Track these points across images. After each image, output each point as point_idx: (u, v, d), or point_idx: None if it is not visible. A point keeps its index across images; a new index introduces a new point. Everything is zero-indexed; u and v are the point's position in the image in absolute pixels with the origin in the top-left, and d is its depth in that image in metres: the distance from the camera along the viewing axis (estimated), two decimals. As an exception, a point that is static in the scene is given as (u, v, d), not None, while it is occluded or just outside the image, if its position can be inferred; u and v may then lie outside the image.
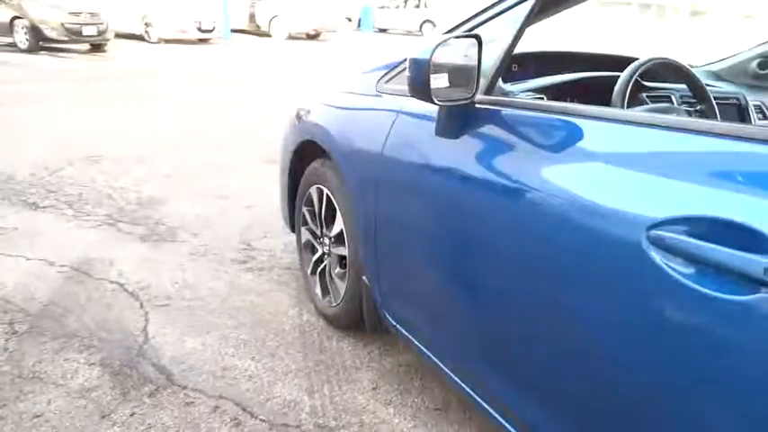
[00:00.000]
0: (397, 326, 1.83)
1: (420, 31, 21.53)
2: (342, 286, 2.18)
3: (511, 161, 1.31)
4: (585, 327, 1.11)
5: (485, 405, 1.45)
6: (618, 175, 1.07)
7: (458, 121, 1.45)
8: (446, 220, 1.50)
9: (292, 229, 2.65)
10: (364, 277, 1.95)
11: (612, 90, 1.59)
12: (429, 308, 1.66)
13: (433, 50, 1.34)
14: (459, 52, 1.39)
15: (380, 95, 1.87)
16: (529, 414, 1.31)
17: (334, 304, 2.26)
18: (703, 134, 1.01)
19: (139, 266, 2.76)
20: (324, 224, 2.26)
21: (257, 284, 2.66)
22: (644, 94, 1.80)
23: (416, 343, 1.75)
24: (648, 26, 29.10)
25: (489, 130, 1.40)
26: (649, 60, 1.64)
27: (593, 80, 1.85)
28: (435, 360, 1.67)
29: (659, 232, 0.94)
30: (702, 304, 0.89)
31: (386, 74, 1.88)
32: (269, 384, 1.99)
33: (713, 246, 0.88)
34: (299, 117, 2.39)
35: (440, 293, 1.58)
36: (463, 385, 1.55)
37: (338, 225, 2.13)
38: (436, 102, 1.39)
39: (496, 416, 1.40)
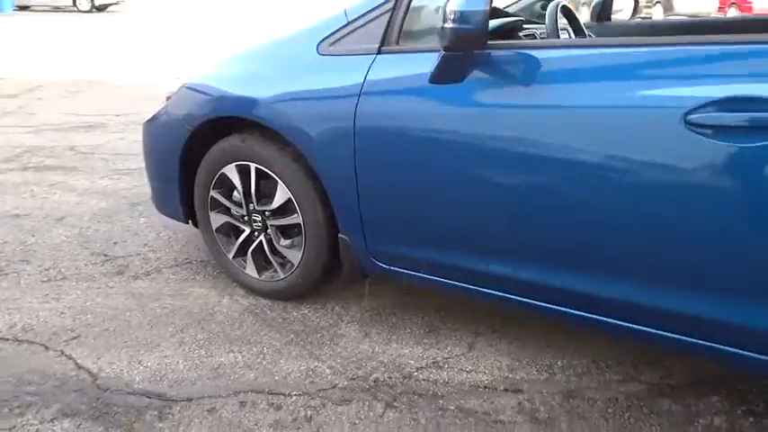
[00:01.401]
0: (392, 267, 1.98)
1: (75, 5, 19.74)
2: (294, 254, 2.19)
3: (528, 90, 1.59)
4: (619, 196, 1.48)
5: (507, 295, 1.76)
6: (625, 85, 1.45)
7: (463, 64, 1.65)
8: (455, 152, 1.71)
9: (189, 220, 2.46)
10: (341, 235, 2.02)
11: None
12: (437, 236, 1.85)
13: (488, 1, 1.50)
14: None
15: (331, 56, 1.92)
16: (567, 283, 1.64)
17: (282, 276, 2.25)
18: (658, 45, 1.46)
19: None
20: (255, 200, 2.20)
21: (159, 288, 2.42)
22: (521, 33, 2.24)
23: (418, 273, 1.94)
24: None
25: (499, 67, 1.64)
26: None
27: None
28: (441, 279, 1.89)
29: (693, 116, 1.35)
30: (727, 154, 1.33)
31: (330, 35, 1.92)
32: (272, 364, 1.95)
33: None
34: (186, 95, 2.23)
35: (453, 217, 1.79)
36: (476, 288, 1.83)
37: (281, 196, 2.12)
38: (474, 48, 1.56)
39: (524, 299, 1.73)
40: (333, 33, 1.92)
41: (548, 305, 1.73)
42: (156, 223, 3.07)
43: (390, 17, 1.80)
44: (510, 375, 1.90)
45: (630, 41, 1.58)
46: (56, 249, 2.78)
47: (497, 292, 1.81)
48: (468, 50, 1.61)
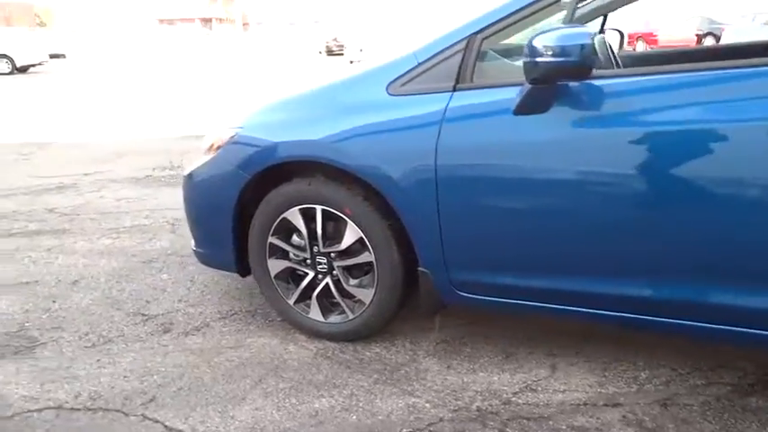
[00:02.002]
0: (474, 295, 2.02)
1: None
2: (365, 293, 2.19)
3: (624, 116, 1.71)
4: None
5: (595, 311, 1.85)
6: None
7: (551, 95, 1.75)
8: (542, 179, 1.79)
9: (243, 272, 2.42)
10: (421, 268, 2.05)
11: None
12: (523, 262, 1.92)
13: (591, 35, 1.61)
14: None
15: (404, 96, 1.98)
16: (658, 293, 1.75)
17: (351, 317, 2.24)
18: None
19: (51, 385, 2.11)
20: (321, 242, 2.20)
21: (216, 342, 2.35)
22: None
23: (501, 299, 2.00)
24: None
25: (585, 96, 1.76)
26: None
27: None
28: (525, 303, 1.96)
29: None
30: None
31: (401, 76, 1.98)
32: (369, 405, 1.93)
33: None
34: (242, 143, 2.23)
35: (539, 242, 1.86)
36: (562, 307, 1.90)
37: (351, 237, 2.13)
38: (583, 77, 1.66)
39: (607, 312, 1.82)
40: (404, 74, 1.98)
41: (643, 317, 1.82)
42: (181, 278, 2.99)
43: (464, 56, 1.89)
44: (602, 390, 1.96)
45: (716, 65, 1.71)
46: (86, 313, 2.65)
47: (585, 309, 1.89)
48: (555, 83, 1.72)
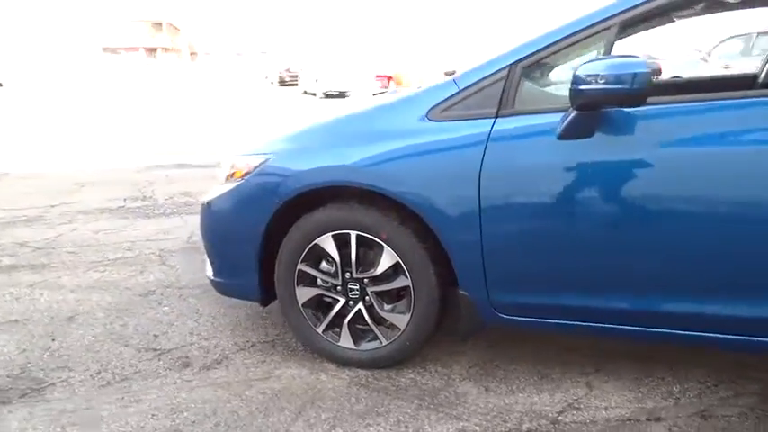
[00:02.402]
0: (513, 317, 2.05)
1: None
2: (400, 318, 2.18)
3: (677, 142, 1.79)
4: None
5: (639, 328, 1.91)
6: None
7: (596, 121, 1.82)
8: (587, 202, 1.85)
9: (265, 301, 2.37)
10: (461, 291, 2.06)
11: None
12: (565, 282, 1.96)
13: (647, 64, 1.68)
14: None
15: (445, 122, 2.01)
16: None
17: (384, 343, 2.22)
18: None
19: (73, 428, 1.99)
20: (354, 268, 2.19)
21: (243, 375, 2.28)
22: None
23: (543, 320, 2.03)
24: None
25: (629, 122, 1.83)
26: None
27: None
28: (571, 323, 2.00)
29: None
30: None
31: (442, 102, 2.02)
32: (421, 431, 1.91)
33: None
34: (273, 170, 2.20)
35: (582, 263, 1.91)
36: (608, 326, 1.96)
37: (387, 261, 2.13)
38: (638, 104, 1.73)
39: (668, 330, 1.89)
40: (445, 100, 2.02)
41: (688, 332, 1.88)
42: (185, 311, 2.89)
43: (505, 83, 1.95)
44: (642, 406, 2.01)
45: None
46: (91, 350, 2.52)
47: (628, 327, 1.94)
48: (595, 109, 1.79)
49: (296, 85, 23.89)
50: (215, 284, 2.50)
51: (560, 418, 1.95)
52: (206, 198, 2.45)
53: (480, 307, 2.06)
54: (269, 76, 28.39)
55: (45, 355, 2.48)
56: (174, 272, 3.44)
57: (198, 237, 4.10)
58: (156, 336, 2.63)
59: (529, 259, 1.97)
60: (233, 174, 2.34)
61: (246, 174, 2.27)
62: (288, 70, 25.71)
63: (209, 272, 2.51)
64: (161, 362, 2.40)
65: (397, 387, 2.16)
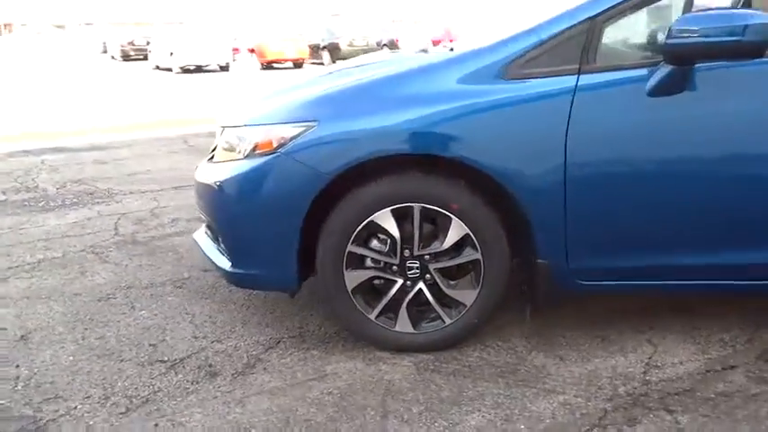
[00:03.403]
0: (593, 282, 1.99)
1: None
2: (467, 294, 2.02)
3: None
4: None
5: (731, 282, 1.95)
6: None
7: (687, 76, 1.78)
8: (679, 158, 1.83)
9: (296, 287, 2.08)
10: (540, 260, 1.95)
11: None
12: (651, 242, 1.93)
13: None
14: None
15: (524, 80, 1.85)
16: None
17: (447, 322, 2.06)
18: None
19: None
20: (417, 244, 1.98)
21: (291, 376, 1.99)
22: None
23: (624, 282, 2.00)
24: None
25: (719, 77, 1.81)
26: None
27: None
28: (650, 282, 1.99)
29: None
30: None
31: (519, 57, 1.86)
32: (524, 410, 1.79)
33: None
34: (321, 138, 1.91)
35: (670, 220, 1.90)
36: (689, 282, 1.98)
37: (455, 234, 1.95)
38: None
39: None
40: (523, 54, 1.86)
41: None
42: (170, 312, 2.48)
43: (587, 36, 1.83)
44: (709, 357, 2.06)
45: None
46: (78, 373, 2.05)
47: (709, 281, 1.97)
48: (693, 63, 1.75)
49: (143, 59, 21.91)
50: (233, 277, 2.14)
51: (648, 377, 1.93)
52: (214, 179, 2.08)
53: (559, 275, 1.97)
54: (109, 49, 25.69)
55: (18, 387, 1.98)
56: (125, 270, 2.95)
57: (129, 228, 3.57)
58: (153, 345, 2.21)
59: (615, 222, 1.90)
60: (257, 147, 2.00)
61: (281, 146, 1.95)
62: (131, 43, 23.42)
63: (224, 263, 2.14)
64: (180, 375, 2.01)
65: (471, 368, 2.01)
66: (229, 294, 2.60)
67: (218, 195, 2.06)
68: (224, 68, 18.01)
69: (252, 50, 18.12)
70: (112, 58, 25.25)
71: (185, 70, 17.71)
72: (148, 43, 20.86)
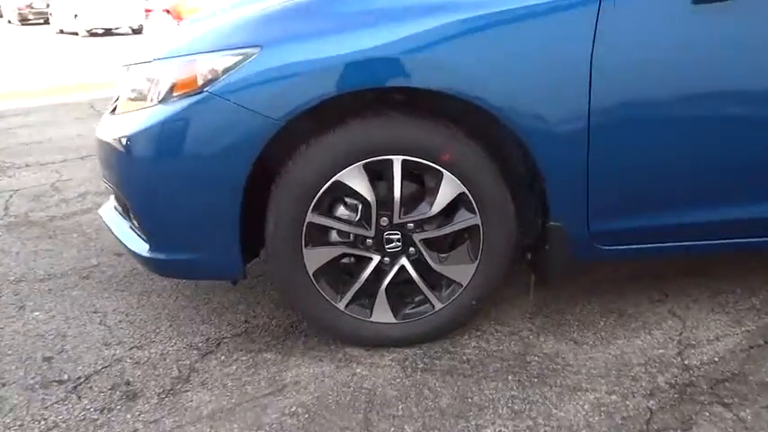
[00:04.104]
0: (616, 246, 1.60)
1: None
2: (462, 270, 1.59)
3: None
4: None
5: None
6: None
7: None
8: (732, 82, 1.45)
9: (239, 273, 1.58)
10: (555, 223, 1.53)
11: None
12: (689, 195, 1.55)
13: None
14: None
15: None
16: None
17: (438, 308, 1.62)
18: None
19: None
20: (399, 209, 1.52)
21: (238, 393, 1.50)
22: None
23: (652, 245, 1.62)
24: None
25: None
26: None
27: None
28: (683, 243, 1.63)
29: None
30: None
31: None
32: (563, 417, 1.38)
33: None
34: (247, 79, 1.40)
35: (713, 168, 1.52)
36: (727, 241, 1.62)
37: (448, 194, 1.50)
38: None
39: None
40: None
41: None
42: (71, 311, 1.92)
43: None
44: (746, 328, 1.73)
45: None
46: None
47: (751, 239, 1.61)
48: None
49: (43, 23, 19.98)
50: (153, 264, 1.61)
51: (686, 361, 1.57)
52: (119, 134, 1.53)
53: (577, 240, 1.56)
54: (5, 13, 23.33)
55: None
56: (16, 258, 2.35)
57: (23, 207, 2.92)
58: (48, 359, 1.67)
59: (653, 172, 1.51)
60: (175, 87, 1.46)
61: (209, 83, 1.42)
62: (30, 6, 21.28)
63: (139, 247, 1.61)
64: (85, 400, 1.49)
65: (470, 364, 1.58)
66: (151, 284, 2.07)
67: (125, 156, 1.52)
68: (137, 31, 16.59)
69: (167, 11, 16.77)
70: (9, 22, 22.96)
71: (93, 34, 16.20)
72: (48, 6, 18.96)
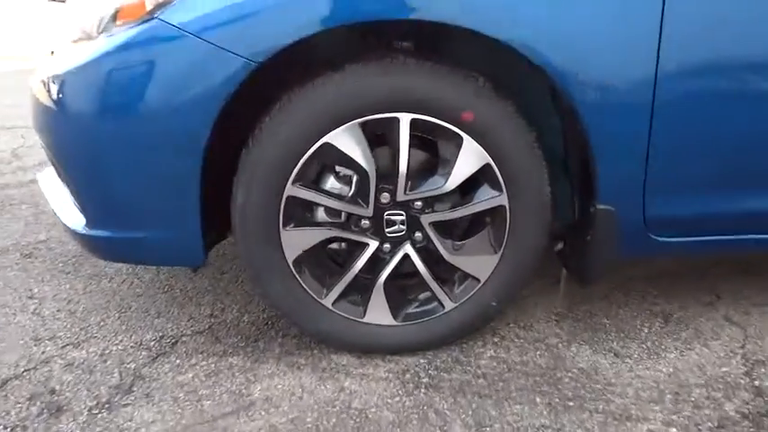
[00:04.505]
0: (677, 239, 1.28)
1: None
2: (481, 263, 1.26)
3: None
4: None
5: None
6: None
7: None
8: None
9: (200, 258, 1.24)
10: (604, 206, 1.20)
11: None
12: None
13: None
14: None
15: None
16: None
17: (448, 308, 1.30)
18: None
19: None
20: (405, 182, 1.19)
21: (195, 412, 1.18)
22: None
23: (726, 237, 1.30)
24: None
25: None
26: None
27: None
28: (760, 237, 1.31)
29: None
30: None
31: None
32: (601, 460, 1.07)
33: None
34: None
35: None
36: None
37: (467, 164, 1.17)
38: None
39: None
40: None
41: None
42: None
43: None
44: (822, 341, 1.41)
45: None
46: None
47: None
48: None
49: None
50: (93, 244, 1.28)
51: (758, 383, 1.26)
52: (48, 75, 1.18)
53: (629, 227, 1.23)
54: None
55: None
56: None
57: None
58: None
59: (724, 149, 1.18)
60: (119, 14, 1.12)
61: (161, 6, 1.07)
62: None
63: (74, 221, 1.27)
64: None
65: (487, 379, 1.26)
66: (105, 267, 1.74)
67: (52, 103, 1.17)
68: None
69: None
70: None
71: None
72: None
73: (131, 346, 1.37)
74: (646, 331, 1.44)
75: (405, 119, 1.13)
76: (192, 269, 1.42)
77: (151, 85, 1.09)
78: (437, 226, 1.24)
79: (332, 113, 1.11)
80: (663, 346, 1.38)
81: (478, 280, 1.27)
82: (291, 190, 1.16)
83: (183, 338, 1.40)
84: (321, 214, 1.24)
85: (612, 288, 1.63)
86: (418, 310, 1.30)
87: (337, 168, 1.21)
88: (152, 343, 1.38)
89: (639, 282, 1.67)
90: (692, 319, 1.49)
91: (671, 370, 1.30)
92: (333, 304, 1.27)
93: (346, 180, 1.21)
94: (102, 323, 1.46)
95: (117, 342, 1.38)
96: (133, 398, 1.20)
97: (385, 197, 1.20)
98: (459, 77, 1.12)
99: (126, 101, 1.10)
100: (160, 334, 1.41)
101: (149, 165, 1.14)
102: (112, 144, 1.13)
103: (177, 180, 1.14)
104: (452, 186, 1.18)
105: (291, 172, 1.14)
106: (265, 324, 1.45)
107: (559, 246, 1.40)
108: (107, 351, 1.35)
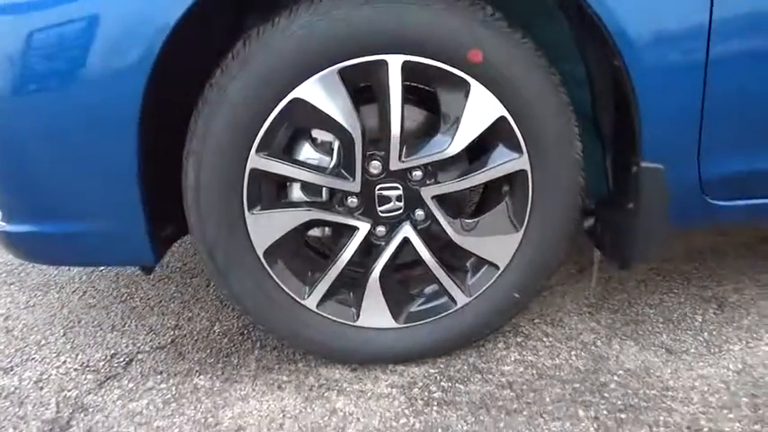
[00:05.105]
0: (752, 202, 1.03)
1: None
2: (500, 245, 1.01)
3: None
4: None
5: None
6: None
7: None
8: None
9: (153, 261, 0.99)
10: (649, 164, 0.95)
11: None
12: None
13: None
14: None
15: None
16: None
17: (460, 303, 1.04)
18: None
19: None
20: (399, 146, 0.94)
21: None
22: None
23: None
24: None
25: None
26: None
27: None
28: None
29: None
30: None
31: None
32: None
33: None
34: None
35: None
36: None
37: (477, 121, 0.93)
38: None
39: None
40: None
41: None
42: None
43: None
44: None
45: None
46: None
47: None
48: None
49: None
50: (15, 241, 1.02)
51: None
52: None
53: (682, 191, 0.98)
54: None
55: None
56: None
57: None
58: None
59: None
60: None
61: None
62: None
63: (-8, 217, 1.02)
64: None
65: (514, 390, 1.01)
66: (55, 274, 1.49)
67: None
68: None
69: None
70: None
71: None
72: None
73: (75, 369, 1.11)
74: (699, 320, 1.19)
75: (394, 62, 0.88)
76: (144, 271, 1.16)
77: (65, 37, 0.84)
78: (442, 201, 0.99)
79: (303, 60, 0.87)
80: (724, 337, 1.13)
81: (497, 267, 1.02)
82: (256, 161, 0.91)
83: (140, 356, 1.15)
84: (297, 192, 0.99)
85: (648, 272, 1.38)
86: (424, 307, 1.06)
87: (314, 133, 0.96)
88: (101, 364, 1.13)
89: (679, 262, 1.42)
90: (752, 302, 1.25)
91: (739, 366, 1.05)
92: (317, 306, 1.02)
93: (326, 148, 0.97)
94: (42, 342, 1.21)
95: (58, 365, 1.13)
96: (103, 425, 0.95)
97: (375, 166, 0.95)
98: (464, 7, 0.88)
99: (39, 59, 0.86)
100: (112, 352, 1.16)
101: (68, 136, 0.89)
102: (22, 114, 0.88)
103: (106, 157, 0.89)
104: (459, 149, 0.93)
105: (254, 138, 0.90)
106: (240, 334, 1.20)
107: (590, 222, 1.15)
108: (45, 376, 1.10)
